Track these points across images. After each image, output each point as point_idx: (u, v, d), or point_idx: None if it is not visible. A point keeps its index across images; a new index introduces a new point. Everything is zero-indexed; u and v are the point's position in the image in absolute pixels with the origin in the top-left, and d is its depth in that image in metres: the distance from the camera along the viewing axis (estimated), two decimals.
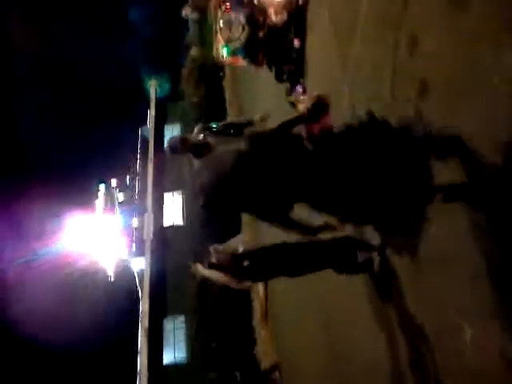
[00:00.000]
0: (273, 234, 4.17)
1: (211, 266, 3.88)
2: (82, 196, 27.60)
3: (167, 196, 24.43)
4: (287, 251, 3.86)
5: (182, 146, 3.70)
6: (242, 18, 7.23)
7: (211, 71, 21.41)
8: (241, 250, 3.90)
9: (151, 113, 29.37)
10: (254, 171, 3.40)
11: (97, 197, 26.71)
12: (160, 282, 21.48)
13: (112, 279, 24.20)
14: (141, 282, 22.06)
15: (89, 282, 23.93)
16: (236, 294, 14.38)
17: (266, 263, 3.83)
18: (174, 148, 3.78)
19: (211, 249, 3.97)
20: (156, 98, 30.66)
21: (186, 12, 23.97)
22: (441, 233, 3.05)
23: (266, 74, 8.25)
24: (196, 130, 3.80)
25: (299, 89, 7.16)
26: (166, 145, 4.01)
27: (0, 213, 28.45)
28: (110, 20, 36.15)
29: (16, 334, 25.34)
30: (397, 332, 3.79)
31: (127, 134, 35.35)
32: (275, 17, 6.82)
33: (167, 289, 21.67)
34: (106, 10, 35.87)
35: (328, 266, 3.94)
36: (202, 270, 3.96)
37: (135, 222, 24.20)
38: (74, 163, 35.44)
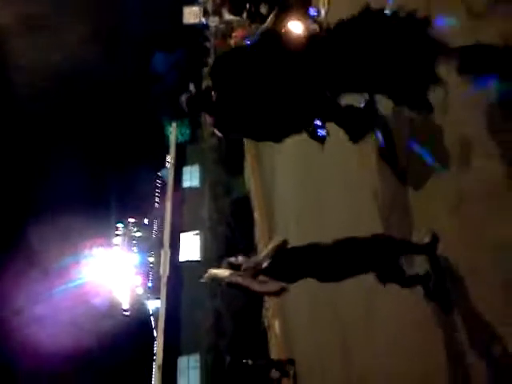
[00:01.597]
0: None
1: (232, 267, 3.56)
2: (101, 233, 28.32)
3: (184, 235, 24.94)
4: (321, 252, 3.55)
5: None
6: None
7: None
8: (270, 247, 3.60)
9: (171, 156, 30.40)
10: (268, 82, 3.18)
11: (115, 235, 27.39)
12: (175, 319, 21.64)
13: (127, 315, 24.46)
14: (156, 318, 22.29)
15: (104, 318, 24.15)
16: (252, 330, 14.42)
17: (296, 263, 3.55)
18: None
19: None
20: (176, 142, 31.69)
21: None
22: None
23: None
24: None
25: (317, 122, 7.70)
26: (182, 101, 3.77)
27: (21, 250, 29.23)
28: (132, 65, 37.69)
29: (27, 368, 25.40)
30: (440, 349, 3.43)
31: (147, 176, 36.44)
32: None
33: (182, 326, 21.82)
34: (130, 56, 37.40)
35: (368, 271, 3.60)
36: (219, 272, 3.57)
37: (152, 258, 24.67)
38: (94, 202, 36.24)
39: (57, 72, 34.68)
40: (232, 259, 3.61)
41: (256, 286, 3.53)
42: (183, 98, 3.59)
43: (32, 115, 35.56)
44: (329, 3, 7.29)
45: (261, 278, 3.56)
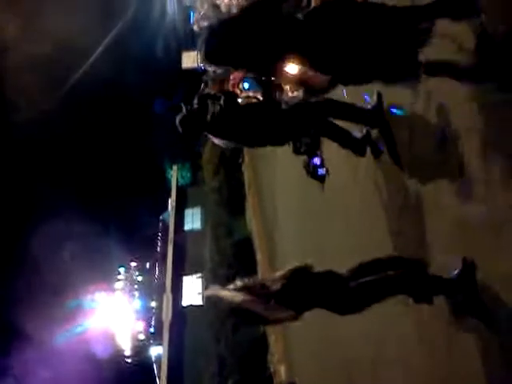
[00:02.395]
0: None
1: (240, 289, 3.23)
2: (102, 278, 28.04)
3: (186, 278, 24.67)
4: (339, 279, 3.22)
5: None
6: (259, 96, 7.96)
7: (231, 157, 22.44)
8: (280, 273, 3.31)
9: (172, 199, 30.45)
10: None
11: (117, 279, 27.12)
12: (178, 366, 21.16)
13: (130, 362, 23.93)
14: (158, 365, 21.77)
15: (106, 365, 23.64)
16: (257, 376, 14.08)
17: (311, 289, 3.20)
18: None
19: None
20: (177, 185, 31.84)
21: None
22: None
23: (283, 149, 8.79)
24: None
25: (317, 161, 7.62)
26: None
27: (20, 293, 28.93)
28: (134, 110, 38.23)
29: None
30: None
31: (149, 220, 36.39)
32: (291, 93, 7.57)
33: (185, 372, 21.30)
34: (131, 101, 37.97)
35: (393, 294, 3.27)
36: (226, 294, 3.22)
37: (154, 303, 24.31)
38: (95, 246, 36.08)
39: (57, 114, 35.11)
40: (238, 282, 3.29)
41: (267, 312, 3.17)
42: (177, 118, 3.62)
43: (30, 153, 35.73)
44: None
45: (272, 304, 3.20)
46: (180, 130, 3.69)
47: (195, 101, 3.80)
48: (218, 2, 11.76)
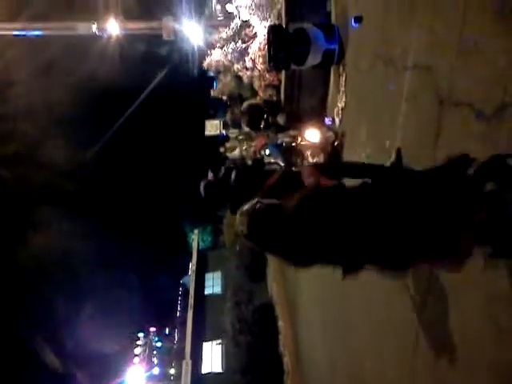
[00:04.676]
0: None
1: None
2: (121, 343, 27.64)
3: (206, 344, 24.19)
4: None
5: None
6: (280, 162, 8.22)
7: None
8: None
9: (193, 262, 30.41)
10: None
11: (136, 345, 26.74)
12: None
13: None
14: None
15: None
16: None
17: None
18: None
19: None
20: (198, 249, 31.90)
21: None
22: None
23: None
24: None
25: None
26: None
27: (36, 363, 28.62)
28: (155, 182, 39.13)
29: None
30: None
31: (169, 284, 36.29)
32: (312, 159, 7.80)
33: None
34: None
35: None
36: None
37: (173, 370, 23.76)
38: (115, 311, 35.93)
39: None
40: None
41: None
42: (201, 184, 3.66)
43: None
44: (342, 112, 7.67)
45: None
46: (203, 195, 3.68)
47: (222, 171, 3.80)
48: (240, 73, 12.30)
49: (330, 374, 8.73)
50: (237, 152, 16.76)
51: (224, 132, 15.40)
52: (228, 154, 18.07)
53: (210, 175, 3.97)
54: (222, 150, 18.84)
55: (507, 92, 2.89)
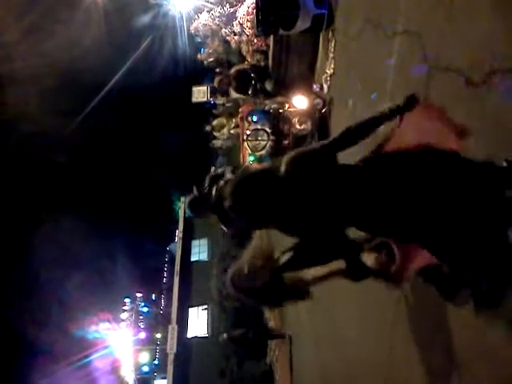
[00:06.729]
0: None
1: None
2: (107, 309, 27.90)
3: (192, 310, 24.51)
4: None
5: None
6: (267, 129, 8.18)
7: None
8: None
9: (179, 230, 30.49)
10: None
11: (122, 310, 26.99)
12: None
13: None
14: None
15: None
16: None
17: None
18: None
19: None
20: (184, 216, 31.94)
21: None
22: None
23: None
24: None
25: None
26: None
27: (25, 327, 28.82)
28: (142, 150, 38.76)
29: None
30: None
31: (156, 251, 36.43)
32: (299, 126, 7.77)
33: None
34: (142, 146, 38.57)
35: None
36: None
37: (159, 335, 24.10)
38: (101, 276, 36.08)
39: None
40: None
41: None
42: (186, 199, 3.65)
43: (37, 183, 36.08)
44: (331, 79, 7.63)
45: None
46: (189, 211, 3.71)
47: (206, 182, 3.70)
48: (228, 38, 12.11)
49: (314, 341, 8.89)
50: (225, 131, 16.57)
51: (212, 99, 15.16)
52: (215, 133, 17.83)
53: (195, 190, 3.94)
54: (208, 128, 18.54)
55: (495, 58, 2.90)
